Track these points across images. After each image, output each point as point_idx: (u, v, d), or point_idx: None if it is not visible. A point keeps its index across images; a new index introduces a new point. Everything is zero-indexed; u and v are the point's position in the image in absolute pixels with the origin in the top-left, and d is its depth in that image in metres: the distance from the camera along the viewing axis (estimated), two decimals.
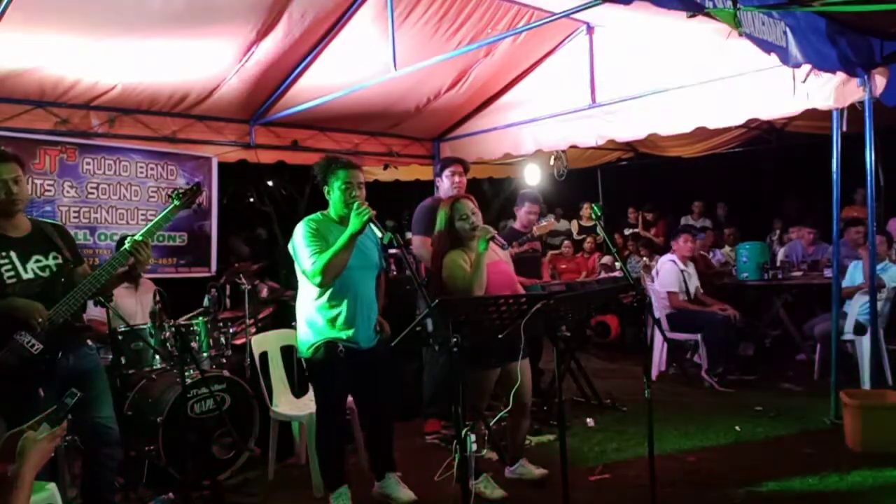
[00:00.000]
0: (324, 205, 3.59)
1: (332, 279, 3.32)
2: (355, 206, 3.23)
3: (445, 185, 4.78)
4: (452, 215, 3.65)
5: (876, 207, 4.76)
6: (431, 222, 4.66)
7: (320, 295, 3.41)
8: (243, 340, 4.79)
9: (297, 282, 3.56)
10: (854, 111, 4.45)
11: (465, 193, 3.84)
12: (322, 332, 3.42)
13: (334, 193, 3.44)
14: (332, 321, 3.42)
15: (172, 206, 3.15)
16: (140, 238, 3.00)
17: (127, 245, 2.99)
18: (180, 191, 3.20)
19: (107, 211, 5.15)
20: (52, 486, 2.70)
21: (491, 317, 2.86)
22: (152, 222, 3.11)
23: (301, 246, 3.39)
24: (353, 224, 3.21)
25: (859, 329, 5.41)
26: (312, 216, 3.51)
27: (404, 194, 9.79)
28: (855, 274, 5.86)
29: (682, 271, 6.37)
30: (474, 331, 2.83)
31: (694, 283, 6.47)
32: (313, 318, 3.45)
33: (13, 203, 2.95)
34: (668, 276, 6.37)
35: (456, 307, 2.87)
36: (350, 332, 3.42)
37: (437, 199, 4.84)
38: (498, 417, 3.46)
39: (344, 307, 3.41)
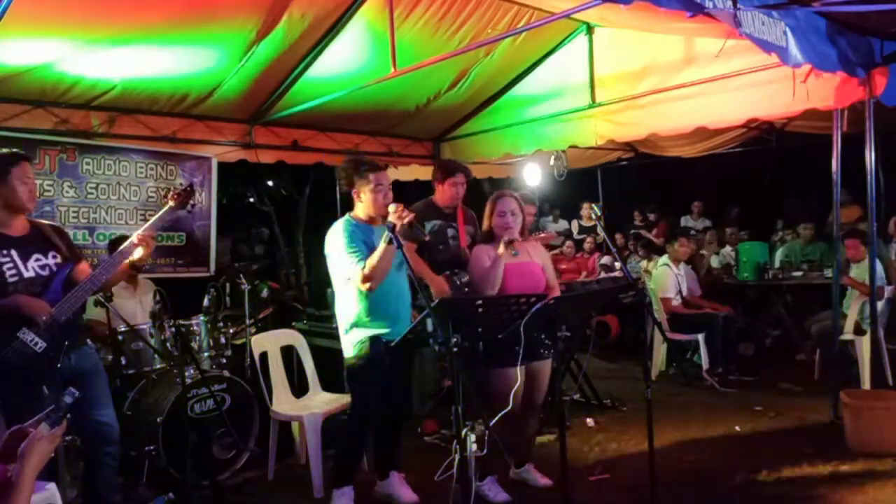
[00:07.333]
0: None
1: (380, 282, 3.34)
2: (393, 208, 3.24)
3: (448, 193, 4.59)
4: (493, 209, 3.65)
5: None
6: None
7: (363, 295, 3.41)
8: (243, 340, 4.79)
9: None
10: (854, 111, 4.44)
11: (508, 191, 3.80)
12: (367, 328, 3.45)
13: (365, 196, 3.45)
14: (377, 318, 3.44)
15: (167, 207, 3.19)
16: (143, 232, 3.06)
17: (135, 238, 3.04)
18: (173, 192, 3.23)
19: (106, 211, 5.15)
20: (52, 486, 2.69)
21: (491, 317, 2.86)
22: (150, 221, 3.16)
23: (344, 254, 3.38)
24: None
25: (859, 329, 5.41)
26: (345, 219, 3.50)
27: (404, 194, 9.76)
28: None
29: (676, 275, 6.36)
30: (488, 330, 2.82)
31: (688, 283, 6.46)
32: (357, 317, 3.46)
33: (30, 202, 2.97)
34: (661, 280, 6.37)
35: (455, 307, 2.88)
36: (393, 327, 3.44)
37: (428, 202, 4.69)
38: (500, 416, 3.45)
39: (385, 303, 3.44)
